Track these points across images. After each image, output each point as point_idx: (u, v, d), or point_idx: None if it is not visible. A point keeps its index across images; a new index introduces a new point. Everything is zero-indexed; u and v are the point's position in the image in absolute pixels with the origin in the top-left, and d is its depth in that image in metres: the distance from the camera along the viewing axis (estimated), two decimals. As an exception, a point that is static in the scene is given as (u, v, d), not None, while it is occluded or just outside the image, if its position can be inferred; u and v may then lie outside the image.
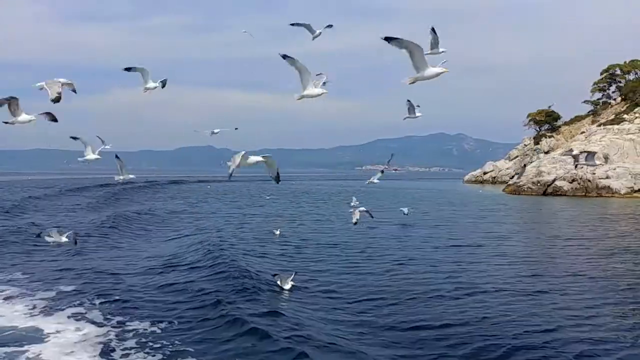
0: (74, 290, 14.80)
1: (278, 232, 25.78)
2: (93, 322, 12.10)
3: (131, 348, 10.72)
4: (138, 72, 10.76)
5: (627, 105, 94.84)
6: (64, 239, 16.58)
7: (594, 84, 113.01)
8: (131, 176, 13.56)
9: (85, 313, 12.69)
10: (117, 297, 13.94)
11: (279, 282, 14.87)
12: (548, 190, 69.43)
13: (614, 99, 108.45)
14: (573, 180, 69.25)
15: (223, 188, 79.23)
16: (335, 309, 13.41)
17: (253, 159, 8.83)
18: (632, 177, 67.64)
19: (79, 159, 12.34)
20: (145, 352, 10.51)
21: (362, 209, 20.80)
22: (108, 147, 12.56)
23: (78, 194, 59.08)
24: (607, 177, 68.51)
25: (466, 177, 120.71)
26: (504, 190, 76.22)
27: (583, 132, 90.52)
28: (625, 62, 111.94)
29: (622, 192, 65.20)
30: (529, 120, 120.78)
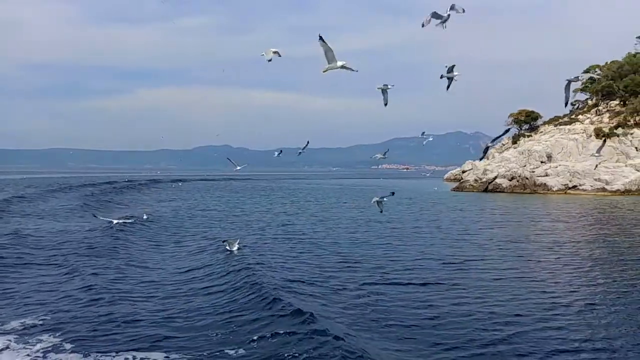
0: (71, 314, 13.38)
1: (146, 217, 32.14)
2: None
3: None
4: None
5: (587, 106, 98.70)
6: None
7: (583, 85, 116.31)
8: None
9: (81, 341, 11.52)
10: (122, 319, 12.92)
11: (227, 247, 20.54)
12: (489, 188, 74.12)
13: (590, 100, 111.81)
14: (512, 178, 73.79)
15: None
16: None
17: (339, 63, 10.70)
18: (570, 175, 71.80)
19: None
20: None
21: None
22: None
23: (70, 193, 63.17)
24: (546, 175, 72.83)
25: (446, 176, 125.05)
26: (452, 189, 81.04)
27: (541, 132, 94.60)
28: (606, 63, 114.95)
29: (555, 189, 69.56)
30: (512, 120, 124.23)
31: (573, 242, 26.07)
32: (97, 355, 10.85)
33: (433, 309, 13.84)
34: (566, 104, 11.60)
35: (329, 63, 10.63)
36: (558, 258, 21.42)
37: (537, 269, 19.20)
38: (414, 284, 16.54)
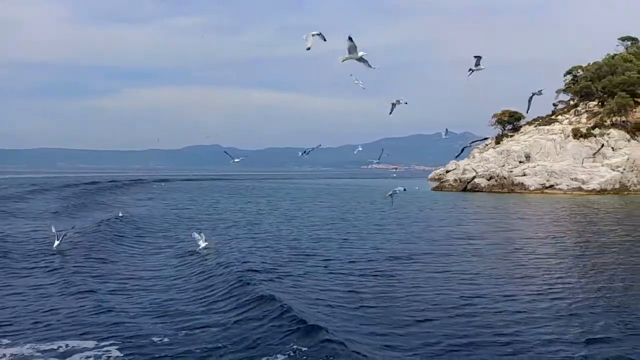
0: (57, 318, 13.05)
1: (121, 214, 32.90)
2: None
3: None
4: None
5: (566, 107, 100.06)
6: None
7: (566, 85, 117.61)
8: None
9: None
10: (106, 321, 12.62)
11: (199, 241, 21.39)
12: (467, 187, 75.17)
13: (572, 100, 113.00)
14: (491, 178, 74.90)
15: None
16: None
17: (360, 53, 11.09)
18: (547, 174, 73.01)
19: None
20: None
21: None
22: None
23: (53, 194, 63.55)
24: (524, 175, 73.98)
25: (430, 175, 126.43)
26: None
27: (522, 132, 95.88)
28: (588, 64, 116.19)
29: (532, 188, 70.70)
30: (495, 121, 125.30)
31: (526, 238, 26.94)
32: (32, 345, 11.30)
33: (363, 294, 14.85)
34: (527, 111, 12.94)
35: (349, 53, 11.02)
36: (506, 253, 22.31)
37: (477, 263, 20.01)
38: (353, 274, 17.41)
